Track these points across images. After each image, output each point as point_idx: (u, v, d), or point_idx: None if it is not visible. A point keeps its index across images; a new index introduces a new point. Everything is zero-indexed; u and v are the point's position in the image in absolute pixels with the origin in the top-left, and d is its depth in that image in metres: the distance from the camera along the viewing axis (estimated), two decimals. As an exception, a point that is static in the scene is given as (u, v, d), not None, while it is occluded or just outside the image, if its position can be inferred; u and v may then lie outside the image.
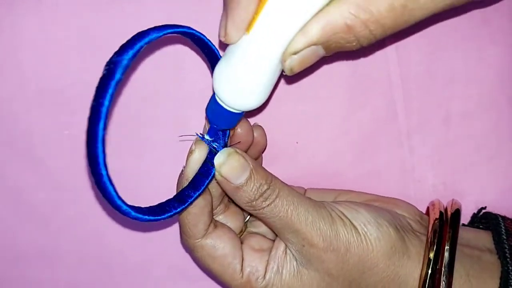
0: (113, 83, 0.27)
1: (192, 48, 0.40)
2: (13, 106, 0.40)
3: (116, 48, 0.39)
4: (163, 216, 0.32)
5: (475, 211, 0.43)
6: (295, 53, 0.30)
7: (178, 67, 0.40)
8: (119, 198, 0.30)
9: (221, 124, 0.34)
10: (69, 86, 0.40)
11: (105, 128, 0.27)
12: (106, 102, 0.27)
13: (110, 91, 0.27)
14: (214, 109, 0.33)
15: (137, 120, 0.41)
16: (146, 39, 0.28)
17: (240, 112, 0.33)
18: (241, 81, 0.31)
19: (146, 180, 0.43)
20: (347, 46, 0.30)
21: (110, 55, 0.39)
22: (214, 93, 0.33)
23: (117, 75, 0.27)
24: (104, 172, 0.28)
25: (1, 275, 0.45)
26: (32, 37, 0.39)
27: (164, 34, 0.29)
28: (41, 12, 0.39)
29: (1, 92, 0.40)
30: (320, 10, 0.29)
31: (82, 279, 0.45)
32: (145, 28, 0.29)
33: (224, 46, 0.32)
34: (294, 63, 0.30)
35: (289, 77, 0.41)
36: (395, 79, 0.42)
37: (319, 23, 0.29)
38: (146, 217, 0.31)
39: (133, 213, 0.31)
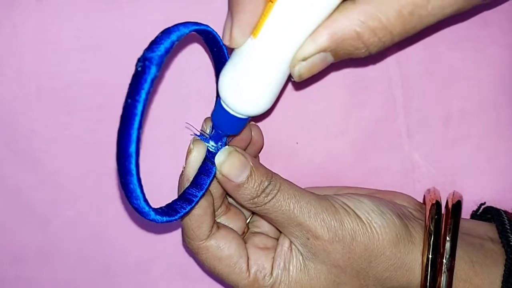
0: (148, 80, 0.26)
1: (191, 48, 0.40)
2: (13, 106, 0.40)
3: (116, 48, 0.40)
4: (175, 217, 0.32)
5: (475, 209, 0.43)
6: (304, 60, 0.30)
7: (178, 67, 0.40)
8: (145, 200, 0.29)
9: (227, 129, 0.34)
10: (69, 86, 0.40)
11: (140, 127, 0.26)
12: (142, 100, 0.26)
13: (146, 88, 0.26)
14: (220, 115, 0.33)
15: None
16: (177, 35, 0.28)
17: (246, 117, 0.33)
18: (247, 86, 0.31)
19: (145, 180, 0.42)
20: (356, 53, 0.30)
21: (110, 55, 0.39)
22: (219, 98, 0.33)
23: (153, 71, 0.26)
24: (134, 172, 0.27)
25: (1, 275, 0.45)
26: (32, 37, 0.39)
27: (191, 31, 0.29)
28: (41, 12, 0.39)
29: (1, 92, 0.40)
30: (329, 17, 0.29)
31: (81, 279, 0.44)
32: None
33: (229, 49, 0.32)
34: (303, 70, 0.30)
35: (297, 83, 0.41)
36: (395, 78, 0.42)
37: (328, 29, 0.29)
38: (163, 218, 0.31)
39: (152, 215, 0.30)
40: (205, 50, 0.40)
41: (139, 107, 0.26)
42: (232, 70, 0.31)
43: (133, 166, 0.27)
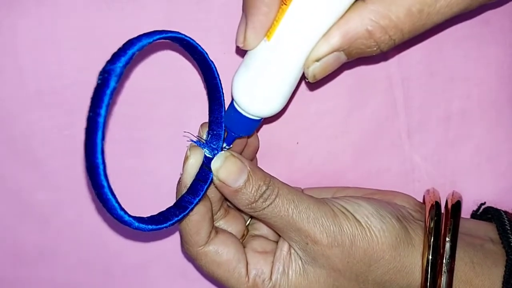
0: (108, 92, 0.27)
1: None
2: (12, 106, 0.40)
3: (116, 48, 0.40)
4: (165, 225, 0.32)
5: (475, 209, 0.43)
6: (317, 60, 0.31)
7: (178, 67, 0.40)
8: (122, 209, 0.29)
9: (240, 131, 0.34)
10: (68, 86, 0.40)
11: (103, 138, 0.27)
12: (103, 112, 0.27)
13: (105, 100, 0.27)
14: (233, 117, 0.33)
15: (137, 120, 0.41)
16: (138, 46, 0.28)
17: (259, 119, 0.33)
18: (261, 88, 0.32)
19: (146, 180, 0.43)
20: (367, 51, 0.31)
21: (110, 55, 0.39)
22: (232, 101, 0.33)
23: (112, 84, 0.27)
24: (105, 184, 0.28)
25: (1, 275, 0.44)
26: (32, 37, 0.39)
27: (154, 40, 0.29)
28: (40, 12, 0.39)
29: (0, 92, 0.40)
30: (341, 17, 0.30)
31: (81, 279, 0.44)
32: (140, 30, 0.29)
33: (240, 52, 0.32)
34: (317, 70, 0.31)
35: (311, 84, 0.41)
36: (395, 78, 0.42)
37: (340, 29, 0.30)
38: (149, 226, 0.31)
39: (136, 224, 0.30)
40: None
41: (101, 120, 0.27)
42: (245, 72, 0.32)
43: (102, 178, 0.28)
